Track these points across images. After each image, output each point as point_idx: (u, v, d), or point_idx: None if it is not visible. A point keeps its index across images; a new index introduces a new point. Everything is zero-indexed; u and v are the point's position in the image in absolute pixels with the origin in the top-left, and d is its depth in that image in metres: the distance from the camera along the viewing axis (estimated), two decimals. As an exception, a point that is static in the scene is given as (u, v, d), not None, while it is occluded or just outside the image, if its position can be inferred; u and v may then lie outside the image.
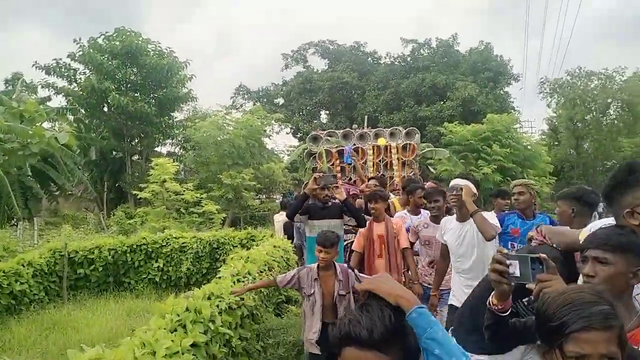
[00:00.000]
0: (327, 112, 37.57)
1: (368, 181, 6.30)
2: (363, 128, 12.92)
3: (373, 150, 11.56)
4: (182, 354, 2.28)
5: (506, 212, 4.93)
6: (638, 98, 31.01)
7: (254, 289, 3.84)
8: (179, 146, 26.74)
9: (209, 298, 3.19)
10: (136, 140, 23.77)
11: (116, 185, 23.55)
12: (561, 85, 33.71)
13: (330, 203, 5.06)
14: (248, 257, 4.52)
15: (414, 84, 32.08)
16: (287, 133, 34.63)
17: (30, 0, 72.18)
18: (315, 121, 35.51)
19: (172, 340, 2.32)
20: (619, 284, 1.64)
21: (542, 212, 4.64)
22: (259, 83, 57.58)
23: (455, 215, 4.07)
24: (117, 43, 20.81)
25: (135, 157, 24.22)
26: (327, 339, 3.33)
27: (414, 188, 5.63)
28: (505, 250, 1.64)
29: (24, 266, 7.63)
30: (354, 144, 11.65)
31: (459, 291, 3.81)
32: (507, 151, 19.21)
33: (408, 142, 11.91)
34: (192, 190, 14.94)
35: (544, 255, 1.56)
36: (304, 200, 4.96)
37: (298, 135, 35.10)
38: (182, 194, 14.56)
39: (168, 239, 9.02)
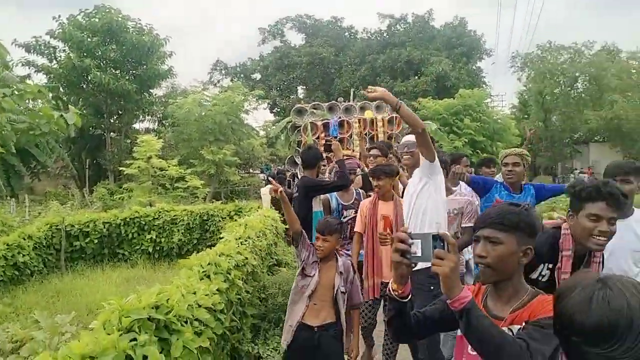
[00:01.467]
0: (304, 87, 37.91)
1: (368, 151, 5.47)
2: (349, 101, 12.94)
3: (359, 123, 11.40)
4: (212, 295, 2.90)
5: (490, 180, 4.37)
6: (604, 72, 32.18)
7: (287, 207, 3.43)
8: (158, 122, 26.85)
9: (219, 256, 3.78)
10: (115, 117, 23.83)
11: (94, 162, 23.64)
12: (532, 59, 34.69)
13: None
14: (246, 224, 5.11)
15: (390, 59, 32.67)
16: (264, 108, 35.01)
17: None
18: (293, 96, 35.85)
19: (203, 285, 2.94)
20: (511, 263, 1.61)
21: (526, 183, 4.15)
22: (236, 58, 57.27)
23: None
24: (97, 20, 20.70)
25: (114, 134, 24.29)
26: (301, 343, 3.29)
27: (457, 157, 5.22)
28: (409, 229, 1.55)
29: (24, 239, 8.02)
30: (340, 117, 11.55)
31: None
32: (478, 125, 20.04)
33: (394, 115, 11.97)
34: (176, 166, 15.36)
35: (445, 232, 1.48)
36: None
37: (275, 111, 35.44)
38: (167, 170, 14.98)
39: (160, 212, 9.51)
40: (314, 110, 11.71)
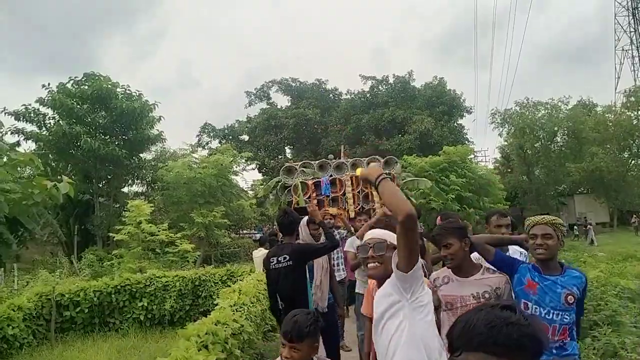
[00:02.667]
0: (292, 147, 38.53)
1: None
2: (339, 158, 12.49)
3: (351, 181, 10.95)
4: (211, 366, 2.98)
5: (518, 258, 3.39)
6: (582, 125, 33.31)
7: None
8: (147, 186, 26.94)
9: (215, 324, 3.85)
10: (104, 182, 23.91)
11: (82, 227, 23.46)
12: (511, 115, 35.85)
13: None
14: (241, 290, 5.18)
15: (374, 118, 33.61)
16: (253, 169, 35.41)
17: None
18: (281, 156, 36.38)
19: (201, 357, 3.01)
20: None
21: (570, 265, 3.15)
22: (222, 120, 58.36)
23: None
24: (87, 87, 21.19)
25: (102, 199, 24.26)
26: None
27: (490, 213, 4.17)
28: None
29: (14, 310, 7.92)
30: (331, 175, 11.13)
31: None
32: (464, 181, 20.40)
33: (388, 171, 11.66)
34: (166, 230, 15.34)
35: None
36: None
37: (263, 170, 35.85)
38: (157, 235, 14.94)
39: (151, 278, 9.46)
40: (304, 169, 11.40)
